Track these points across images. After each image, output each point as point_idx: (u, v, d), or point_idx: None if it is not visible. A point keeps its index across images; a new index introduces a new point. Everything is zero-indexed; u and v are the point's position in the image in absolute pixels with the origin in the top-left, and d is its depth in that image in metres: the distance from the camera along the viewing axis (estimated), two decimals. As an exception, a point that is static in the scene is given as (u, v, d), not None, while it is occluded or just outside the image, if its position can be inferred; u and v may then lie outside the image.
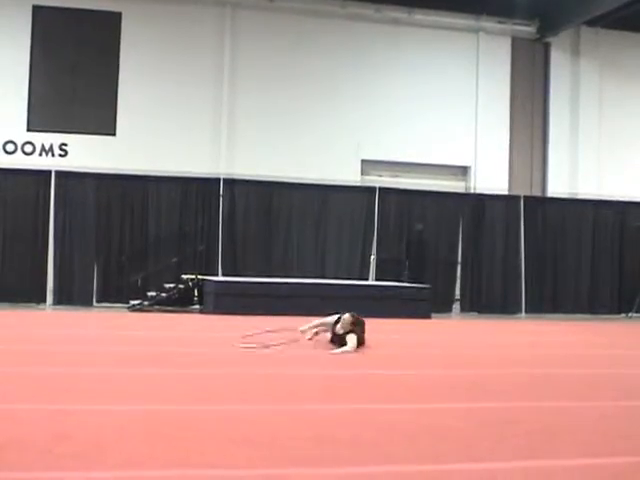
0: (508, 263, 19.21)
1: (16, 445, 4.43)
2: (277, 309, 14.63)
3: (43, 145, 17.75)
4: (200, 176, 17.84)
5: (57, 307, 16.61)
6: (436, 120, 19.65)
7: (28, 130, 17.70)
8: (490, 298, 19.07)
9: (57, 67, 18.03)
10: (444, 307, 18.42)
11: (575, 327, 16.19)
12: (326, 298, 14.47)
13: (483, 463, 4.48)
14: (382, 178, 19.60)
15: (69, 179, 17.18)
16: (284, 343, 9.64)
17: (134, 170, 17.47)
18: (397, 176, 19.71)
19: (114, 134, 18.06)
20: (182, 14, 18.49)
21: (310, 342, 10.06)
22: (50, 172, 17.13)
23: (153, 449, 4.49)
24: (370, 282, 18.12)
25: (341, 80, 19.29)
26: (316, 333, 10.27)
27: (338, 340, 9.62)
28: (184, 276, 16.45)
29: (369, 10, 19.33)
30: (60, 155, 17.81)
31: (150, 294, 16.50)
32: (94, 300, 17.09)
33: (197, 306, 16.23)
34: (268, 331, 10.33)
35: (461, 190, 20.09)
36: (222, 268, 17.76)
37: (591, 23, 20.04)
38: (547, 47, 20.66)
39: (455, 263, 19.07)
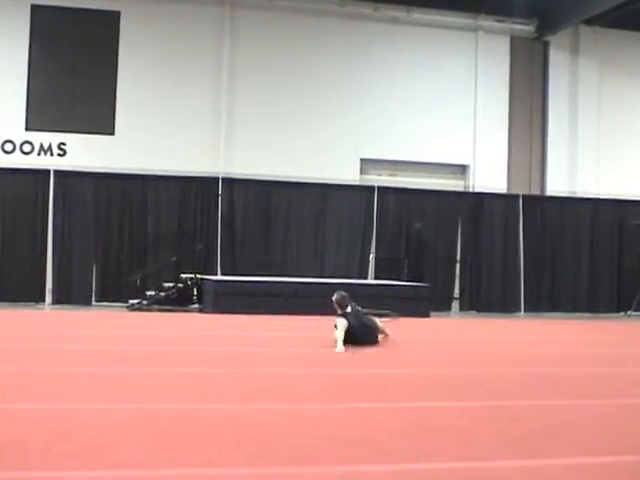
0: (507, 262, 19.21)
1: (16, 444, 4.43)
2: (276, 308, 14.66)
3: (42, 144, 17.71)
4: (199, 175, 17.84)
5: (56, 306, 16.60)
6: (435, 119, 19.63)
7: (27, 129, 17.67)
8: (489, 297, 19.08)
9: (56, 66, 17.99)
10: (443, 306, 18.43)
11: (574, 325, 16.21)
12: (325, 297, 14.41)
13: (483, 461, 4.49)
14: (381, 177, 19.59)
15: (68, 178, 17.18)
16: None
17: (133, 169, 17.46)
18: (396, 175, 19.71)
19: (113, 133, 18.03)
20: (181, 13, 18.46)
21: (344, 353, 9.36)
22: (49, 171, 17.13)
23: (152, 448, 4.50)
24: (369, 281, 18.13)
25: (340, 79, 19.26)
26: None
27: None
28: (183, 275, 16.45)
29: (368, 9, 19.31)
30: (59, 154, 17.78)
31: (149, 293, 16.50)
32: (93, 299, 17.10)
33: (196, 305, 16.21)
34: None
35: (460, 189, 20.08)
36: (221, 267, 17.76)
37: (590, 22, 20.05)
38: (546, 46, 20.64)
39: (454, 262, 19.08)
